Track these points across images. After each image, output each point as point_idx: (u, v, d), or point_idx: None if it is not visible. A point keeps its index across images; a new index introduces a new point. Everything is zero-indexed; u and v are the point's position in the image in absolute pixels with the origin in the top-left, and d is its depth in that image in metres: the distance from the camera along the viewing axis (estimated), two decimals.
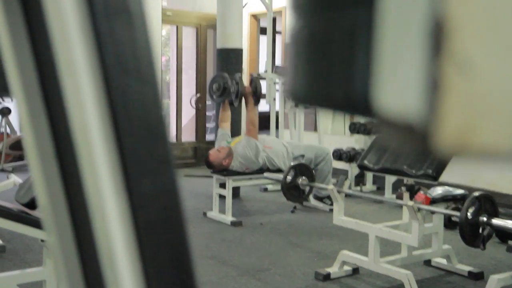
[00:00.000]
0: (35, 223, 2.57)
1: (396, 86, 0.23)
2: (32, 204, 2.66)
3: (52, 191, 0.58)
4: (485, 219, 2.83)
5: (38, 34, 0.54)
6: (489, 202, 2.89)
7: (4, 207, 2.69)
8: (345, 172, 6.12)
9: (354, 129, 6.34)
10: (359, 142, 6.38)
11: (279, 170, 4.98)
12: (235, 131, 5.54)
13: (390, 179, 5.88)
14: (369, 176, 6.35)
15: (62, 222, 0.58)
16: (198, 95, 8.29)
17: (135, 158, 0.49)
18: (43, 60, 0.56)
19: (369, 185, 6.33)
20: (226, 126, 5.37)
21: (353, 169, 6.15)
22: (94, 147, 0.49)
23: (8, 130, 7.49)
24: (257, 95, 5.08)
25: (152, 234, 0.51)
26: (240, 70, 6.16)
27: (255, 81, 5.21)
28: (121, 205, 0.49)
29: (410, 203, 3.20)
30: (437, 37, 0.21)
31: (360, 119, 6.49)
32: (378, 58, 0.24)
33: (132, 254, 0.50)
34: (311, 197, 5.55)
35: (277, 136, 6.54)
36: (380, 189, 6.23)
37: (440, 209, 3.20)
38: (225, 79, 5.21)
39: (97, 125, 0.49)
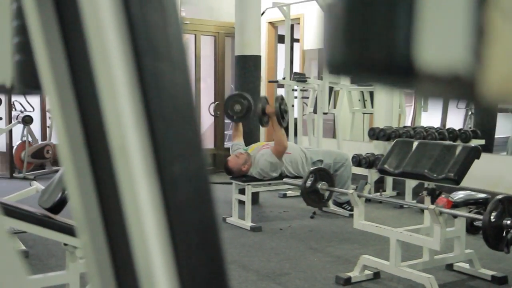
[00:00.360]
0: (58, 227, 2.60)
1: (441, 37, 0.23)
2: (55, 208, 2.69)
3: (82, 178, 0.59)
4: (509, 222, 2.80)
5: (70, 24, 0.56)
6: None
7: (27, 211, 2.73)
8: (364, 178, 6.10)
9: (373, 134, 6.31)
10: (378, 147, 6.35)
11: (297, 176, 4.98)
12: (255, 139, 5.53)
13: (410, 184, 5.84)
14: (388, 181, 6.31)
15: (92, 208, 0.60)
16: (217, 102, 8.33)
17: (167, 142, 0.50)
18: (74, 51, 0.57)
19: (389, 191, 6.29)
20: (239, 140, 5.39)
21: (372, 175, 6.12)
22: (127, 132, 0.50)
23: (30, 138, 7.58)
24: (281, 115, 4.99)
25: (183, 216, 0.52)
26: (258, 77, 6.18)
27: (279, 101, 5.08)
28: (152, 189, 0.50)
29: (432, 206, 3.17)
30: None
31: (379, 125, 6.44)
32: (420, 11, 0.25)
33: (163, 237, 0.51)
34: (330, 202, 5.54)
35: (295, 142, 6.54)
36: (400, 194, 6.19)
37: (463, 212, 3.17)
38: (247, 100, 5.17)
39: (130, 110, 0.50)
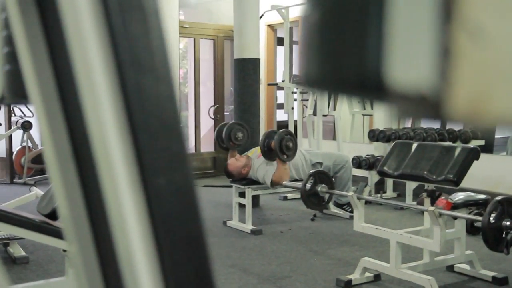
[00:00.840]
0: (57, 233, 2.59)
1: (408, 57, 0.23)
2: (53, 214, 2.69)
3: (70, 190, 0.59)
4: (508, 223, 2.80)
5: (54, 36, 0.55)
6: None
7: (26, 218, 2.73)
8: (365, 180, 6.10)
9: (373, 136, 6.30)
10: (378, 149, 6.35)
11: (297, 179, 4.97)
12: (255, 142, 5.51)
13: (410, 186, 5.84)
14: (389, 183, 6.31)
15: (80, 221, 0.59)
16: (217, 106, 8.33)
17: (151, 154, 0.50)
18: (59, 62, 0.57)
19: (389, 192, 6.29)
20: None
21: (373, 177, 6.11)
22: (110, 145, 0.50)
23: (29, 144, 7.58)
24: (281, 151, 4.92)
25: (168, 228, 0.51)
26: (257, 80, 6.18)
27: (280, 136, 4.86)
28: (137, 200, 0.50)
29: (431, 208, 3.17)
30: (448, 5, 0.21)
31: (379, 126, 6.45)
32: (390, 32, 0.24)
33: (149, 249, 0.51)
34: (331, 204, 5.54)
35: None
36: (401, 196, 6.19)
37: (462, 214, 3.16)
38: (246, 129, 5.18)
39: (113, 123, 0.49)
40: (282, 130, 5.00)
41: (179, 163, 0.52)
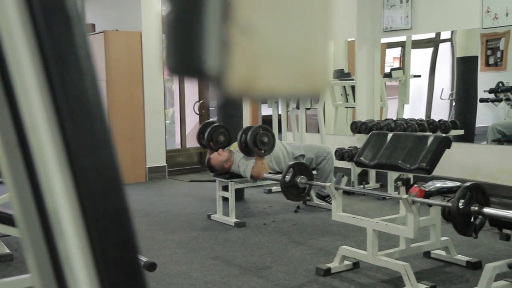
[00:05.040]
0: None
1: (207, 49, 0.31)
2: None
3: (17, 176, 0.66)
4: (476, 208, 2.89)
5: None
6: (480, 192, 2.95)
7: (9, 214, 2.79)
8: (348, 171, 6.19)
9: (356, 128, 6.40)
10: (360, 141, 6.43)
11: (280, 172, 5.05)
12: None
13: (392, 176, 5.93)
14: (372, 174, 6.41)
15: (26, 200, 0.67)
16: (201, 101, 8.39)
17: (76, 138, 0.57)
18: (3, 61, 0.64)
19: (372, 183, 6.39)
20: None
21: (355, 168, 6.21)
22: (40, 131, 0.57)
23: None
24: (256, 146, 4.98)
25: (95, 204, 0.59)
26: None
27: (255, 132, 4.96)
28: (65, 180, 0.58)
29: (405, 196, 3.26)
30: (225, 9, 0.28)
31: (361, 119, 6.54)
32: (203, 31, 0.32)
33: (77, 221, 0.58)
34: (314, 196, 5.63)
35: (280, 139, 6.62)
36: (383, 186, 6.29)
37: (434, 201, 3.25)
38: (228, 132, 5.29)
39: (42, 112, 0.57)
40: (257, 125, 5.07)
41: (102, 145, 0.59)
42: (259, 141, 4.87)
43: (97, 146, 0.59)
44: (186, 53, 0.35)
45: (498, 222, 3.11)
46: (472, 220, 2.86)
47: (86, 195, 0.58)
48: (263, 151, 4.90)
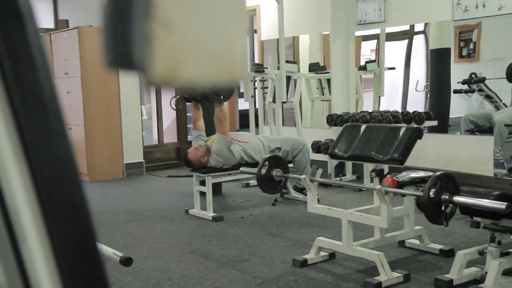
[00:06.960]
0: None
1: (135, 42, 0.33)
2: None
3: None
4: (447, 197, 2.95)
5: None
6: (451, 181, 3.01)
7: None
8: (325, 164, 6.25)
9: (332, 121, 6.45)
10: (336, 133, 6.46)
11: (257, 164, 5.08)
12: (211, 131, 5.61)
13: (368, 168, 5.99)
14: (348, 166, 6.47)
15: None
16: (178, 96, 8.37)
17: (30, 130, 0.59)
18: None
19: (348, 175, 6.46)
20: (200, 126, 5.48)
21: (332, 161, 6.26)
22: None
23: None
24: (217, 94, 5.13)
25: (51, 194, 0.61)
26: None
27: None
28: (21, 171, 0.60)
29: (378, 186, 3.31)
30: (147, 6, 0.31)
31: (337, 112, 6.59)
32: (131, 27, 0.35)
33: (35, 212, 0.60)
34: (291, 188, 5.68)
35: (257, 133, 6.65)
36: (360, 178, 6.36)
37: (406, 191, 3.31)
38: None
39: None
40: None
41: (57, 137, 0.61)
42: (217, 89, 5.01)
43: (52, 138, 0.61)
44: (119, 47, 0.37)
45: (469, 210, 3.18)
46: (443, 208, 2.92)
47: (43, 186, 0.60)
48: (222, 97, 5.03)
